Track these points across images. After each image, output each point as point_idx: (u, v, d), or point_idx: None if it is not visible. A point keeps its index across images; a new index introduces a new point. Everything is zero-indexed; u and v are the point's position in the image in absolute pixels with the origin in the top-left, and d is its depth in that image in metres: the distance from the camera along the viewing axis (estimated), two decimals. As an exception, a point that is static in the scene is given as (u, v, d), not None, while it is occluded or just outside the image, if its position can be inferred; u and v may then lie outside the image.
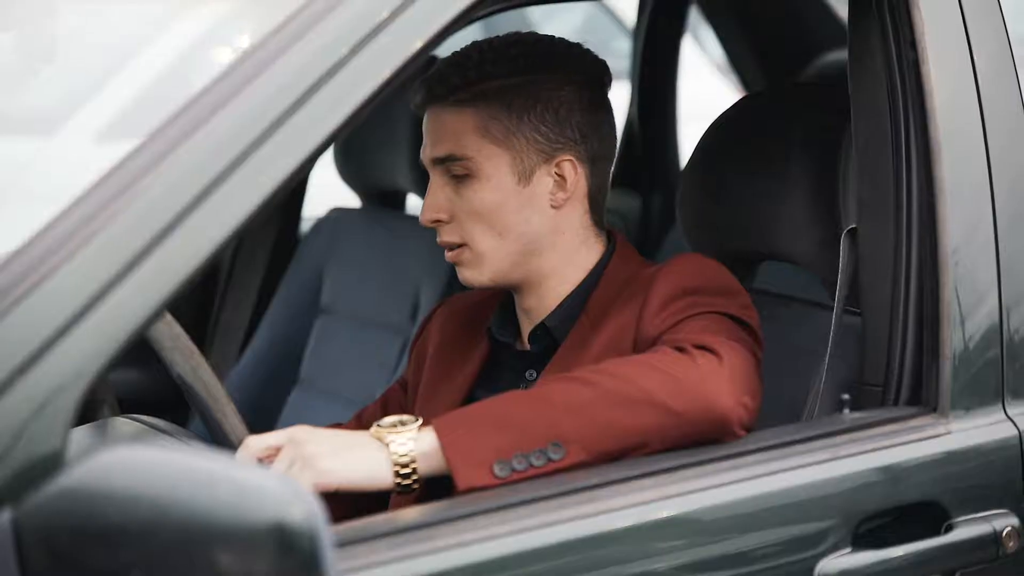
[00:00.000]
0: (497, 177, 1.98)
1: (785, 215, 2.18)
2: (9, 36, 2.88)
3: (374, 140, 3.09)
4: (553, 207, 2.00)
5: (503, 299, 2.11)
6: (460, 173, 1.99)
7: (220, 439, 1.73)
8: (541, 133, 1.98)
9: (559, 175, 2.00)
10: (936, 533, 1.83)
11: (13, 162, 4.82)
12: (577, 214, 2.02)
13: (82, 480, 1.33)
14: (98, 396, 1.92)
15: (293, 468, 1.68)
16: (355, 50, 1.58)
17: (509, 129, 1.98)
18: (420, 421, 1.76)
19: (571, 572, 1.66)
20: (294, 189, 3.36)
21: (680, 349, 1.80)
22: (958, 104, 1.94)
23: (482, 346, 2.10)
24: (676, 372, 1.76)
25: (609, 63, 2.12)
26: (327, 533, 1.31)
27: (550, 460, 1.72)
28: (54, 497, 1.34)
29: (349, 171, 3.22)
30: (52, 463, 1.36)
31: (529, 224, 1.99)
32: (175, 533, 1.29)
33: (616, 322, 1.97)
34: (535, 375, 2.02)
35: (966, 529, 1.85)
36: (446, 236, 2.01)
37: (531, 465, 1.71)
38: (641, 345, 1.91)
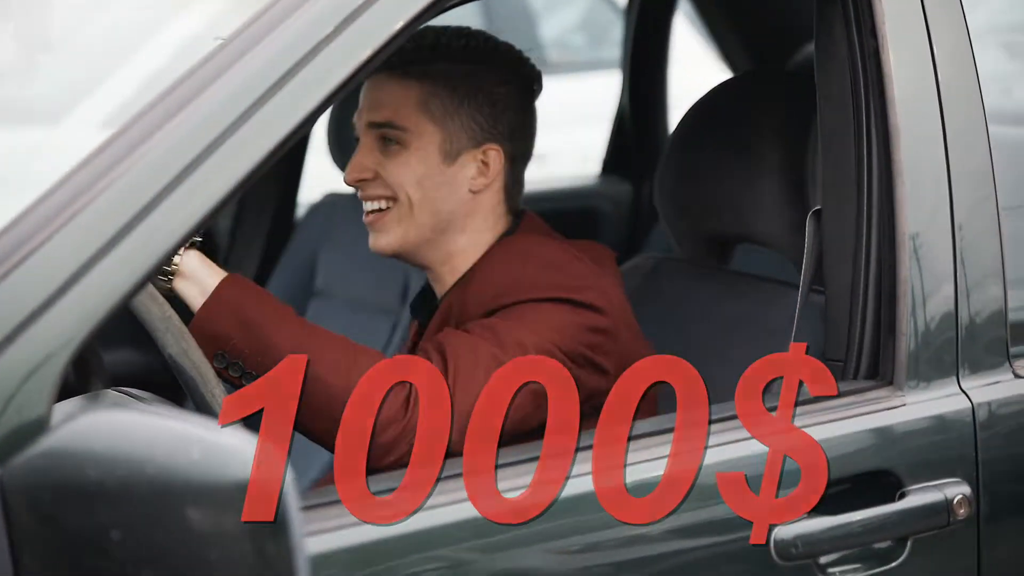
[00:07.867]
0: (424, 152, 2.08)
1: (757, 199, 2.22)
2: (7, 27, 2.92)
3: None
4: (471, 191, 2.10)
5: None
6: (391, 140, 2.08)
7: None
8: (476, 121, 2.09)
9: (483, 162, 2.10)
10: (890, 500, 1.88)
11: (19, 151, 4.87)
12: (491, 202, 2.12)
13: (64, 441, 1.40)
14: (91, 370, 1.98)
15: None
16: (337, 30, 1.64)
17: (447, 110, 2.09)
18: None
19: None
20: (290, 175, 3.43)
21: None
22: (917, 91, 1.99)
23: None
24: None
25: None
26: (295, 492, 1.38)
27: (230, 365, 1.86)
28: (37, 457, 1.40)
29: (343, 157, 3.27)
30: (37, 427, 1.43)
31: (444, 203, 2.09)
32: (149, 491, 1.36)
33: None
34: None
35: (919, 496, 1.90)
36: (372, 189, 2.09)
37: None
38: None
